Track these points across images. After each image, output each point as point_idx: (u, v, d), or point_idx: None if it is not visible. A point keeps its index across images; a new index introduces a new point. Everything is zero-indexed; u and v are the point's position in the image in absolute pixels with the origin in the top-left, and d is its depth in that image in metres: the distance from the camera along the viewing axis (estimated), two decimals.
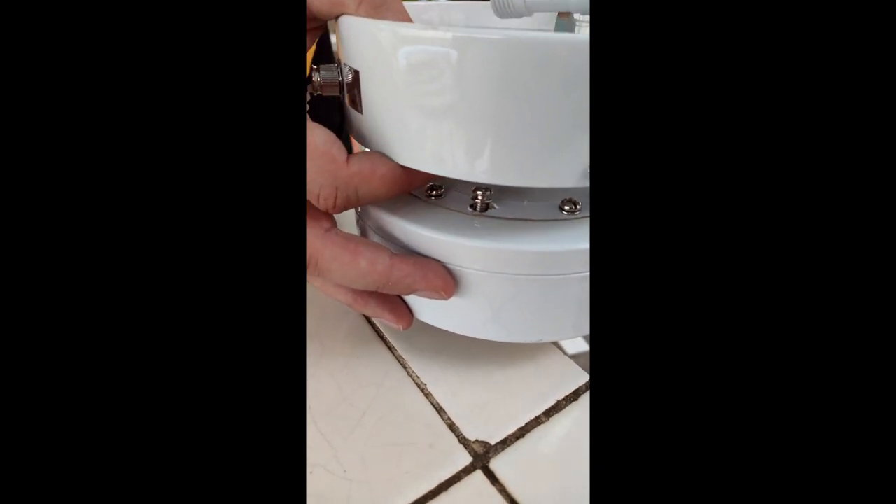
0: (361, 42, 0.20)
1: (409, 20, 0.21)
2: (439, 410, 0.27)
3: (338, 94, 0.24)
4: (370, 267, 0.22)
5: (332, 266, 0.23)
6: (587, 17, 0.30)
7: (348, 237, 0.23)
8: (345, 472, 0.24)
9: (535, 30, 0.26)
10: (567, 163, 0.19)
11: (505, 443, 0.25)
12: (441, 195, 0.25)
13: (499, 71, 0.17)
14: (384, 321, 0.27)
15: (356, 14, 0.20)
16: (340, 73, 0.23)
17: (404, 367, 0.29)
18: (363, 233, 0.27)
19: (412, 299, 0.26)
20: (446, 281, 0.23)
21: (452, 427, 0.26)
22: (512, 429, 0.25)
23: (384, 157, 0.21)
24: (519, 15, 0.28)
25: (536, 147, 0.19)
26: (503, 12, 0.27)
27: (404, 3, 0.21)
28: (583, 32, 0.32)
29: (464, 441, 0.25)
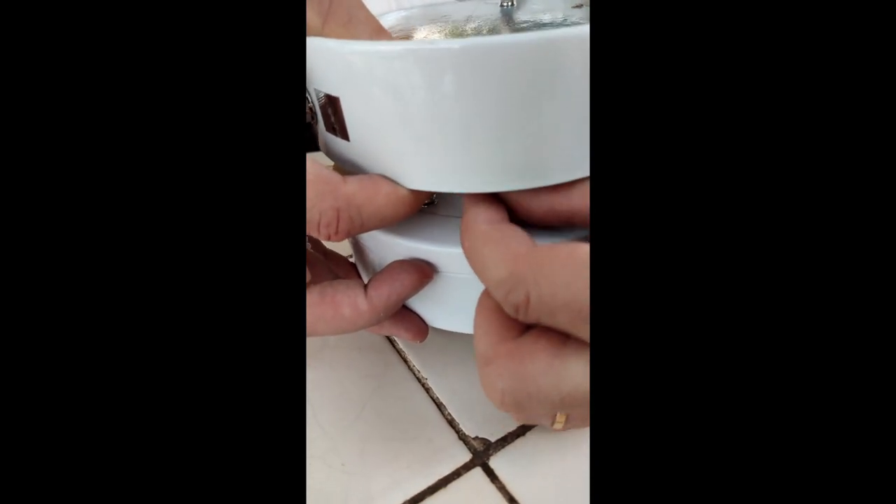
0: (339, 68, 0.18)
1: (383, 30, 0.19)
2: (439, 406, 0.27)
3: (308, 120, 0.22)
4: (355, 312, 0.22)
5: (318, 325, 0.22)
6: None
7: (322, 290, 0.22)
8: (343, 465, 0.24)
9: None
10: (583, 155, 0.18)
11: (505, 440, 0.25)
12: (433, 202, 0.24)
13: (506, 74, 0.16)
14: (401, 338, 0.25)
15: (323, 35, 0.18)
16: (309, 98, 0.21)
17: (405, 360, 0.29)
18: (358, 250, 0.26)
19: (424, 309, 0.25)
20: (419, 267, 0.22)
21: (452, 423, 0.26)
22: (512, 427, 0.25)
23: (384, 177, 0.20)
24: None
25: (566, 142, 0.18)
26: None
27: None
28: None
29: (463, 437, 0.25)
